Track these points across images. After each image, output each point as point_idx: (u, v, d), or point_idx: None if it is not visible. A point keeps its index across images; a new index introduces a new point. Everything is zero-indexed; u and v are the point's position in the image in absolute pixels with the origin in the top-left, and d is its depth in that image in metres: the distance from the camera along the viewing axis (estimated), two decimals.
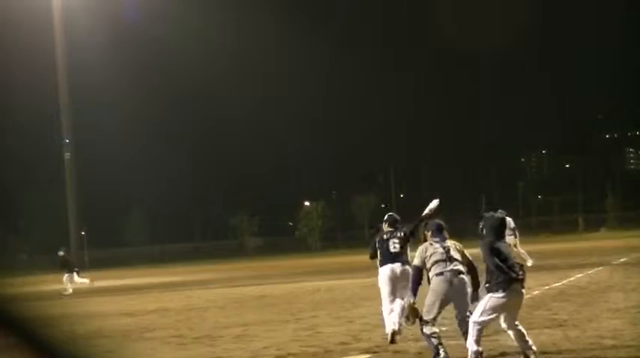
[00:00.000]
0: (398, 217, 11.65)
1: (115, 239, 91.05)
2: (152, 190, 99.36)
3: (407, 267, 10.65)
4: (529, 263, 23.69)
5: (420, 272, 8.89)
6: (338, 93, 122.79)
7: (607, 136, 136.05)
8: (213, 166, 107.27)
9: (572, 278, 19.10)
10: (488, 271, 8.16)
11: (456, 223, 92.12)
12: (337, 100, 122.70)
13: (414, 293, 8.82)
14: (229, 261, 55.90)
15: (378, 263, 11.18)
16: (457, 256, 8.94)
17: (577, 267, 23.05)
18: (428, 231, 9.29)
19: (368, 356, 9.42)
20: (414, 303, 8.79)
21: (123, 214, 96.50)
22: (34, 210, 78.05)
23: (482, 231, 8.47)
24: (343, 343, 10.47)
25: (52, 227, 76.26)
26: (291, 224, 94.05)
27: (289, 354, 9.92)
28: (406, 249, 11.10)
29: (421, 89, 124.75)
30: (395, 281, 10.80)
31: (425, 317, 8.73)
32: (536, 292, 16.21)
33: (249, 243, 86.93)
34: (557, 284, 17.66)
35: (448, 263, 8.83)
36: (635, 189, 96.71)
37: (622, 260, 25.09)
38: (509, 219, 24.54)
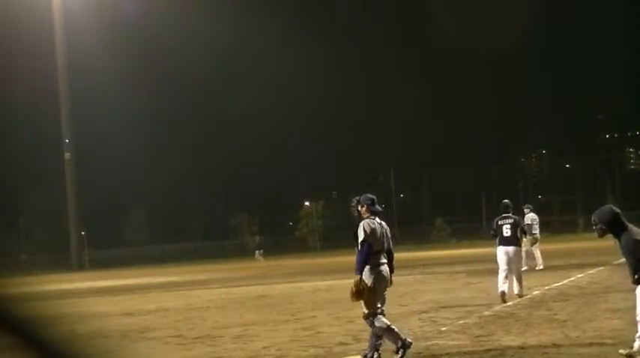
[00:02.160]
0: (510, 203, 15.44)
1: (115, 239, 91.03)
2: (152, 190, 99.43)
3: (518, 247, 14.97)
4: (525, 268, 23.48)
5: (370, 249, 8.57)
6: (338, 93, 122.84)
7: (607, 136, 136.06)
8: (213, 166, 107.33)
9: (572, 278, 19.12)
10: (637, 264, 7.89)
11: (457, 224, 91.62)
12: (337, 100, 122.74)
13: (362, 270, 8.53)
14: (229, 261, 55.90)
15: (496, 241, 14.98)
16: (386, 244, 8.80)
17: (577, 267, 23.06)
18: (362, 206, 8.89)
19: None
20: (360, 281, 8.50)
21: (123, 214, 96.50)
22: (34, 210, 77.99)
23: (598, 227, 8.15)
24: (343, 343, 10.47)
25: (52, 227, 76.24)
26: (291, 224, 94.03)
27: (289, 354, 9.91)
28: (516, 233, 14.82)
29: (421, 89, 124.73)
30: (507, 259, 14.65)
31: (373, 309, 8.57)
32: (536, 292, 16.23)
33: (250, 243, 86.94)
34: (557, 284, 17.68)
35: (383, 254, 8.72)
36: (635, 189, 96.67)
37: (622, 260, 25.04)
38: (531, 215, 24.24)
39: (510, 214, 15.28)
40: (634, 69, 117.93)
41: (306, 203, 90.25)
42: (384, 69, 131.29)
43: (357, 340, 10.66)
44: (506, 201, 15.77)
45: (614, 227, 8.01)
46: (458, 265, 30.24)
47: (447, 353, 9.08)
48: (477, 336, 10.26)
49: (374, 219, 8.79)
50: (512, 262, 14.83)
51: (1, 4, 62.68)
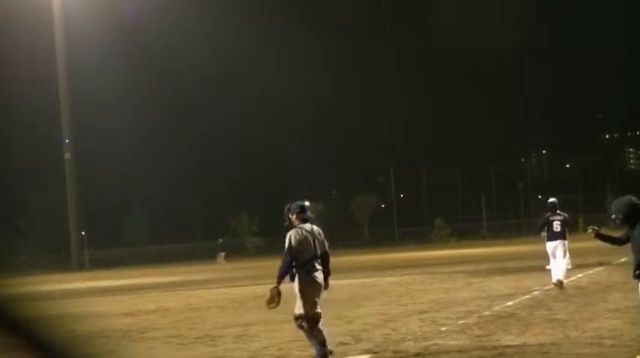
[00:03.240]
0: (557, 202, 17.50)
1: (115, 239, 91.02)
2: (152, 190, 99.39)
3: (564, 240, 17.12)
4: (569, 266, 22.40)
5: (292, 260, 8.61)
6: (338, 93, 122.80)
7: (607, 136, 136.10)
8: (213, 166, 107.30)
9: (572, 278, 19.11)
10: None
11: (457, 224, 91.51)
12: (337, 100, 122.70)
13: (281, 279, 8.57)
14: (229, 261, 55.89)
15: (545, 236, 17.36)
16: (319, 250, 8.75)
17: (577, 267, 23.03)
18: (292, 213, 8.89)
19: (368, 356, 9.42)
20: (276, 288, 8.59)
21: (123, 214, 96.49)
22: (34, 210, 78.02)
23: (615, 217, 8.08)
24: (343, 343, 10.47)
25: (52, 227, 76.25)
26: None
27: (289, 354, 9.92)
28: (564, 228, 17.12)
29: (421, 89, 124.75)
30: (555, 251, 17.05)
31: (305, 314, 8.56)
32: (536, 292, 16.23)
33: (248, 243, 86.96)
34: None
35: (316, 261, 8.69)
36: (635, 189, 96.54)
37: (622, 260, 25.07)
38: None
39: (558, 211, 17.41)
40: (634, 69, 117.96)
41: (306, 203, 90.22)
42: (384, 69, 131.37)
43: (357, 340, 10.67)
44: (553, 200, 17.77)
45: (630, 218, 7.99)
46: (458, 265, 30.23)
47: (447, 353, 9.08)
48: (477, 336, 10.25)
49: (304, 226, 8.71)
50: (559, 253, 17.18)
51: (1, 4, 62.68)
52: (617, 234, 8.59)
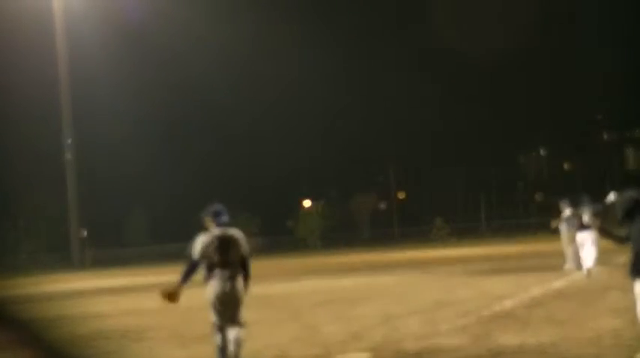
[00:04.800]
0: (586, 197, 19.98)
1: (116, 238, 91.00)
2: (153, 190, 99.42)
3: (592, 234, 18.65)
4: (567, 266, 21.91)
5: (195, 266, 8.62)
6: (338, 93, 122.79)
7: (607, 136, 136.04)
8: (213, 166, 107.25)
9: (571, 278, 19.13)
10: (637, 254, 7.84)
11: (456, 223, 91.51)
12: (337, 100, 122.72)
13: (184, 281, 8.64)
14: None
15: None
16: (233, 255, 8.61)
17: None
18: (207, 217, 8.81)
19: (368, 355, 9.43)
20: (179, 286, 8.70)
21: (123, 214, 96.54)
22: (34, 210, 77.99)
23: (618, 216, 8.09)
24: (343, 342, 10.48)
25: (52, 227, 76.28)
26: (291, 224, 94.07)
27: (289, 354, 9.93)
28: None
29: (421, 89, 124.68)
30: (584, 243, 19.36)
31: (215, 321, 8.63)
32: (536, 292, 16.24)
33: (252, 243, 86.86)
34: (556, 284, 17.69)
35: (225, 267, 8.58)
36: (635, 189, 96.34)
37: (622, 260, 25.09)
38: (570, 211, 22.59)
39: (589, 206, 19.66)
40: (634, 69, 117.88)
41: (306, 203, 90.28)
42: (384, 69, 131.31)
43: (357, 339, 10.68)
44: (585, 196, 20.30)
45: (630, 212, 7.97)
46: (458, 265, 30.24)
47: (447, 353, 9.09)
48: (477, 336, 10.27)
49: (214, 231, 8.66)
50: (588, 243, 19.29)
51: (2, 5, 62.75)
52: (621, 232, 8.57)
